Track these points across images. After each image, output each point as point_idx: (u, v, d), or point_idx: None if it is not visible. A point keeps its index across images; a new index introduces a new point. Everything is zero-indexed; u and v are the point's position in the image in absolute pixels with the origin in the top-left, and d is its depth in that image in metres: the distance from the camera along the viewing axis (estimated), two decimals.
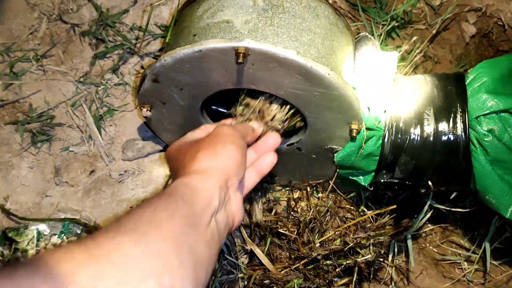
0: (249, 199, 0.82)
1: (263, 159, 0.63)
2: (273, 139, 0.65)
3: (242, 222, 0.77)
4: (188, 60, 0.61)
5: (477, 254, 0.87)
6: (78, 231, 0.75)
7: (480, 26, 1.12)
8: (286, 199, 0.87)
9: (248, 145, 0.64)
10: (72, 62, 0.95)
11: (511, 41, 1.14)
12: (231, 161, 0.54)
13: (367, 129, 0.69)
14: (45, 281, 0.31)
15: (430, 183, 0.72)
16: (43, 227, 0.75)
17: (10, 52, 0.94)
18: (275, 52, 0.58)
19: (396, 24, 1.06)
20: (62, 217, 0.76)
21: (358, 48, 0.74)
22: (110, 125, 0.88)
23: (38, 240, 0.73)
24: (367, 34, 0.75)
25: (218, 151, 0.54)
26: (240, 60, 0.58)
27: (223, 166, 0.53)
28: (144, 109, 0.72)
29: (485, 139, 0.65)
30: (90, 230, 0.74)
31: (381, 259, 0.82)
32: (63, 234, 0.74)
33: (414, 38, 1.04)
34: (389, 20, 1.04)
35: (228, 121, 0.69)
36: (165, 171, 0.83)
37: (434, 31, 1.06)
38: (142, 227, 0.40)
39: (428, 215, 0.82)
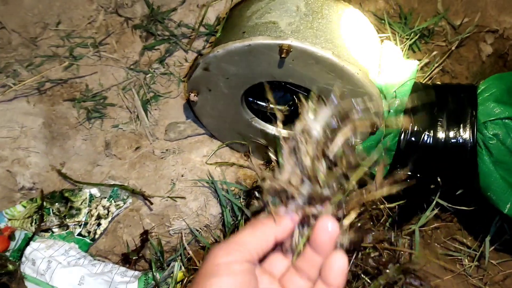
0: None
1: (328, 265, 0.43)
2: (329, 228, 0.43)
3: None
4: (238, 52, 0.71)
5: (478, 252, 0.95)
6: (125, 197, 0.86)
7: (496, 47, 1.20)
8: None
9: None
10: (124, 51, 1.06)
11: None
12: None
13: (387, 126, 0.79)
14: None
15: (439, 179, 0.81)
16: (94, 190, 0.85)
17: (70, 38, 1.06)
18: (314, 50, 0.68)
19: (418, 38, 1.16)
20: (112, 183, 0.86)
21: (384, 54, 0.83)
22: (155, 109, 0.99)
23: (90, 201, 0.84)
24: (391, 41, 0.85)
25: None
26: (283, 55, 0.68)
27: None
28: (192, 94, 0.82)
29: (490, 142, 0.74)
30: (136, 194, 0.84)
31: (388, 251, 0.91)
32: (111, 198, 0.85)
33: (434, 53, 1.13)
34: (412, 34, 1.14)
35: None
36: (203, 151, 0.93)
37: (453, 48, 1.15)
38: None
39: (436, 210, 0.91)
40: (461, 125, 0.77)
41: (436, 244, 1.00)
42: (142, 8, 1.11)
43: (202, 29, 1.09)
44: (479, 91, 0.79)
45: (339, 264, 0.42)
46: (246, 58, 0.72)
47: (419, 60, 1.14)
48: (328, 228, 0.42)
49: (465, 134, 0.76)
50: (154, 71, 1.03)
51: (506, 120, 0.75)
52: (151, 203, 0.85)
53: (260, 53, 0.71)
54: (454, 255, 0.97)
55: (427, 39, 1.16)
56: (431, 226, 0.99)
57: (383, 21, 1.15)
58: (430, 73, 1.13)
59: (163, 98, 1.00)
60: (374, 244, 0.86)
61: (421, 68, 1.14)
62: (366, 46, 0.76)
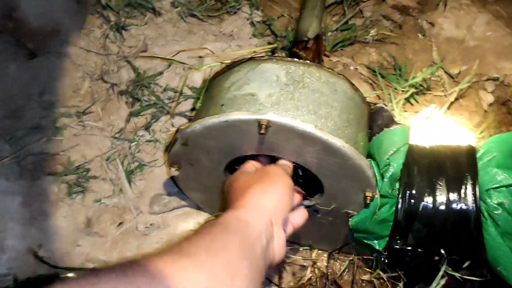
0: None
1: (296, 212, 0.68)
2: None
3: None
4: (216, 128, 0.67)
5: None
6: None
7: (498, 95, 1.15)
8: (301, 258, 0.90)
9: None
10: (109, 118, 1.03)
11: None
12: (278, 200, 0.57)
13: (381, 196, 0.73)
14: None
15: (442, 251, 0.74)
16: (72, 275, 0.80)
17: (54, 108, 1.03)
18: (294, 125, 0.63)
19: (415, 90, 1.11)
20: (91, 267, 0.81)
21: (375, 118, 0.79)
22: (140, 179, 0.94)
23: None
24: (383, 105, 0.80)
25: (267, 189, 0.58)
26: (262, 131, 0.63)
27: (271, 204, 0.56)
28: (173, 169, 0.77)
29: (495, 212, 0.68)
30: None
31: None
32: None
33: (433, 105, 1.09)
34: (408, 87, 1.09)
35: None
36: (189, 226, 0.88)
37: (452, 99, 1.10)
38: (201, 254, 0.45)
39: (443, 282, 0.83)
40: (462, 193, 0.71)
41: None
42: (128, 73, 1.09)
43: (189, 92, 1.06)
44: (479, 154, 0.73)
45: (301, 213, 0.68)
46: (225, 133, 0.68)
47: (417, 112, 1.10)
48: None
49: (467, 203, 0.70)
50: (139, 138, 0.99)
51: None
52: None
53: (238, 128, 0.66)
54: None
55: (424, 90, 1.12)
56: None
57: (376, 74, 1.11)
58: (430, 127, 1.07)
59: (148, 167, 0.96)
60: None
61: (421, 122, 1.09)
62: (353, 113, 0.71)
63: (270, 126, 0.64)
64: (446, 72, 1.15)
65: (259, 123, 0.64)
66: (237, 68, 0.73)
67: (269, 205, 0.56)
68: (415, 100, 1.11)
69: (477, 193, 0.70)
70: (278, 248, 0.57)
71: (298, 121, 0.63)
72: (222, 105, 0.69)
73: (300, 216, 0.68)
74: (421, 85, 1.12)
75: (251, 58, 0.72)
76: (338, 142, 0.64)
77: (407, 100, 1.11)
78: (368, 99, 1.04)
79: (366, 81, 1.14)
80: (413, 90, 1.09)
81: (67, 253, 0.85)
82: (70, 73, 1.09)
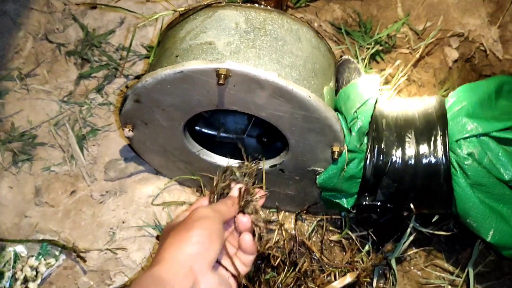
0: None
1: (241, 239, 0.61)
2: (244, 221, 0.62)
3: None
4: (170, 81, 0.61)
5: (461, 278, 0.86)
6: (57, 253, 0.74)
7: (462, 51, 1.14)
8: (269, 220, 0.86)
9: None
10: (56, 81, 0.95)
11: (493, 66, 1.16)
12: (195, 246, 0.53)
13: (349, 151, 0.69)
14: None
15: (412, 206, 0.72)
16: (20, 248, 0.73)
17: None
18: (256, 74, 0.58)
19: (380, 48, 1.08)
20: (41, 238, 0.74)
21: (341, 71, 0.75)
22: (93, 145, 0.88)
23: (15, 262, 0.71)
24: (349, 57, 0.76)
25: (182, 236, 0.54)
26: (221, 82, 0.58)
27: (187, 252, 0.53)
28: (126, 129, 0.71)
29: (465, 163, 0.66)
30: (68, 251, 0.72)
31: (365, 284, 0.82)
32: (41, 256, 0.73)
33: (398, 61, 1.06)
34: (373, 44, 1.06)
35: (205, 200, 0.64)
36: (148, 191, 0.82)
37: (417, 56, 1.08)
38: None
39: (411, 238, 0.82)
40: (432, 145, 0.68)
41: (416, 271, 0.91)
42: (76, 32, 1.00)
43: (144, 51, 0.99)
44: (448, 105, 0.70)
45: (247, 238, 0.60)
46: (181, 86, 0.62)
47: (382, 70, 1.07)
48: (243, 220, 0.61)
49: (437, 155, 0.68)
50: (91, 102, 0.92)
51: (482, 137, 0.66)
52: (84, 261, 0.73)
53: (195, 80, 0.61)
54: (435, 282, 0.88)
55: (390, 47, 1.09)
56: (410, 252, 0.90)
57: (341, 31, 1.07)
58: (395, 84, 1.05)
59: (102, 132, 0.89)
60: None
61: (386, 80, 1.06)
62: (319, 63, 0.66)
63: (230, 76, 0.59)
64: (411, 29, 1.12)
65: (217, 73, 0.58)
66: (193, 16, 0.67)
67: (185, 255, 0.53)
68: (381, 57, 1.08)
69: (447, 144, 0.67)
70: None
71: (260, 69, 0.58)
72: (177, 56, 0.63)
73: (246, 242, 0.60)
74: (386, 42, 1.09)
75: (207, 5, 0.66)
76: (303, 92, 0.59)
77: (373, 57, 1.08)
78: (341, 54, 1.00)
79: (331, 38, 1.10)
80: (378, 46, 1.06)
81: (15, 225, 0.78)
82: (10, 33, 0.99)
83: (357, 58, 1.03)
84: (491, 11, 1.17)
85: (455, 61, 1.13)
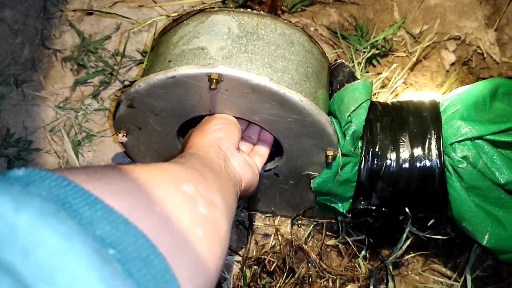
0: None
1: (262, 131, 0.71)
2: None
3: None
4: (162, 86, 0.61)
5: (459, 282, 0.86)
6: None
7: (460, 54, 1.13)
8: (265, 226, 0.86)
9: None
10: (53, 87, 0.95)
11: (490, 69, 1.15)
12: (218, 133, 0.61)
13: (343, 155, 0.69)
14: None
15: (407, 209, 0.72)
16: None
17: None
18: (247, 78, 0.58)
19: (377, 51, 1.08)
20: None
21: (335, 75, 0.74)
22: (89, 151, 0.88)
23: None
24: (343, 60, 0.76)
25: (205, 129, 0.62)
26: (213, 86, 0.58)
27: (212, 137, 0.60)
28: (120, 135, 0.71)
29: (460, 166, 0.66)
30: None
31: None
32: None
33: (394, 65, 1.06)
34: (369, 47, 1.06)
35: None
36: None
37: (414, 59, 1.08)
38: (170, 161, 0.48)
39: (408, 242, 0.81)
40: (426, 148, 0.68)
41: (413, 276, 0.90)
42: (73, 38, 1.01)
43: (140, 56, 0.99)
44: (442, 108, 0.70)
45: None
46: (173, 91, 0.62)
47: (379, 74, 1.06)
48: None
49: (431, 158, 0.67)
50: (86, 107, 0.92)
51: (476, 140, 0.66)
52: None
53: (188, 84, 0.61)
54: (433, 287, 0.88)
55: (386, 50, 1.09)
56: (407, 257, 0.90)
57: (338, 35, 1.07)
58: (392, 87, 1.05)
59: (98, 137, 0.89)
60: None
61: (383, 83, 1.06)
62: (312, 67, 0.66)
63: (222, 80, 0.59)
64: (407, 32, 1.12)
65: (209, 78, 0.58)
66: (186, 22, 0.67)
67: (212, 138, 0.60)
68: (377, 61, 1.08)
69: (442, 148, 0.67)
70: (240, 168, 0.60)
71: (252, 74, 0.58)
72: (170, 61, 0.63)
73: (268, 138, 0.71)
74: (383, 46, 1.09)
75: (200, 10, 0.66)
76: (295, 96, 0.59)
77: (369, 61, 1.08)
78: (336, 58, 0.99)
79: (327, 42, 1.10)
80: (374, 50, 1.06)
81: None
82: (6, 39, 0.99)
83: (353, 62, 1.03)
84: (488, 14, 1.17)
85: (452, 64, 1.12)
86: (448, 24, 1.14)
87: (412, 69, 1.09)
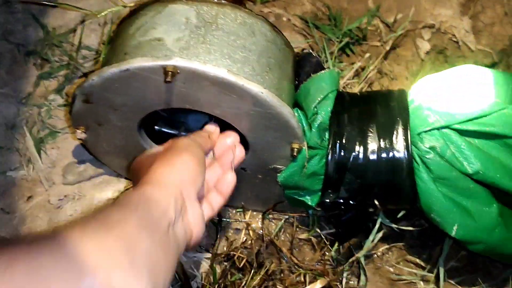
0: None
1: (223, 179, 0.62)
2: (231, 156, 0.64)
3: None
4: (117, 79, 0.59)
5: (433, 273, 0.85)
6: None
7: (435, 43, 1.12)
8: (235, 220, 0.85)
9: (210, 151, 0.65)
10: (15, 83, 0.92)
11: (466, 57, 1.14)
12: (185, 171, 0.53)
13: (310, 147, 0.67)
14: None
15: (376, 202, 0.70)
16: None
17: None
18: (204, 70, 0.56)
19: (351, 41, 1.06)
20: None
21: (302, 65, 0.72)
22: (52, 148, 0.85)
23: None
24: (310, 50, 0.74)
25: (172, 161, 0.54)
26: (168, 79, 0.55)
27: (178, 177, 0.52)
28: (79, 131, 0.69)
29: (427, 156, 0.64)
30: None
31: (335, 283, 0.80)
32: None
33: (368, 54, 1.04)
34: (341, 37, 1.04)
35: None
36: (107, 195, 0.79)
37: (388, 48, 1.06)
38: (92, 227, 0.40)
39: (380, 234, 0.80)
40: (394, 139, 0.66)
41: (388, 268, 0.89)
42: (36, 31, 0.97)
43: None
44: (410, 97, 0.69)
45: (230, 179, 0.61)
46: (130, 85, 0.60)
47: (353, 63, 1.05)
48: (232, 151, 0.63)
49: (399, 149, 0.66)
50: (50, 103, 0.89)
51: (444, 130, 0.64)
52: None
53: (144, 78, 0.58)
54: (407, 278, 0.87)
55: (360, 39, 1.07)
56: (381, 248, 0.89)
57: (312, 25, 1.05)
58: (366, 77, 1.03)
59: (62, 134, 0.86)
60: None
61: (357, 73, 1.05)
62: (275, 58, 0.64)
63: (178, 73, 0.56)
64: (382, 21, 1.10)
65: (164, 70, 0.56)
66: (143, 12, 0.64)
67: (175, 178, 0.52)
68: (351, 50, 1.06)
69: (409, 138, 0.65)
70: (194, 223, 0.52)
71: (209, 66, 0.56)
72: (125, 53, 0.61)
73: (228, 183, 0.62)
74: (356, 35, 1.07)
75: (158, 0, 0.64)
76: (255, 88, 0.57)
77: (343, 51, 1.06)
78: (303, 47, 0.97)
79: (300, 32, 1.08)
80: (347, 39, 1.04)
81: None
82: None
83: (325, 52, 1.01)
84: (462, 2, 1.16)
85: (427, 52, 1.11)
86: (422, 12, 1.13)
87: (386, 58, 1.08)
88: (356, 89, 1.01)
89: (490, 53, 1.14)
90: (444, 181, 0.65)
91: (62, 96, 0.90)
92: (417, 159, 0.65)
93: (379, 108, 0.69)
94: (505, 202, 0.69)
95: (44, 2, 0.94)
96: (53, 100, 0.90)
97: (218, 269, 0.78)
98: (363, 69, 1.04)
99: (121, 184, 0.81)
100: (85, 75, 0.91)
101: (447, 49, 1.12)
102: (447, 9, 1.14)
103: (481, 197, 0.65)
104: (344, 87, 1.02)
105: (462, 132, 0.65)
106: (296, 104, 0.70)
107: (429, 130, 0.65)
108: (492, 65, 1.16)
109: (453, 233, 0.66)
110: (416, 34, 1.12)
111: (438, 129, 0.65)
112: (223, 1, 0.64)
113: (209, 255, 0.79)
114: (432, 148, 0.64)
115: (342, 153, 0.68)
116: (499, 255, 0.70)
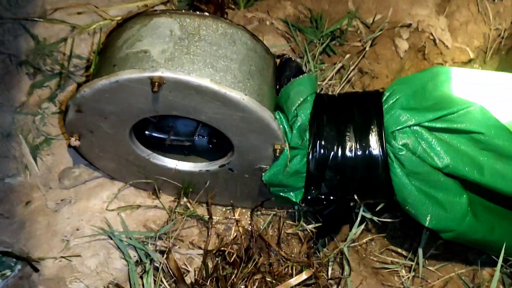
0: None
1: None
2: None
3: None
4: (107, 90, 0.63)
5: (414, 262, 0.90)
6: (12, 264, 0.75)
7: (413, 41, 1.16)
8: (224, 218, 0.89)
9: None
10: (8, 92, 0.95)
11: (443, 55, 1.19)
12: None
13: (292, 148, 0.72)
14: None
15: (356, 196, 0.75)
16: None
17: None
18: (189, 80, 0.60)
19: (332, 42, 1.10)
20: None
21: (282, 70, 0.77)
22: (47, 154, 0.88)
23: None
24: (290, 56, 0.78)
25: None
26: (155, 89, 0.59)
27: None
28: (73, 139, 0.72)
29: (400, 153, 0.69)
30: (23, 262, 0.74)
31: (320, 273, 0.84)
32: None
33: (348, 55, 1.08)
34: (322, 38, 1.08)
35: None
36: (103, 197, 0.83)
37: (367, 47, 1.10)
38: None
39: (362, 226, 0.85)
40: (369, 138, 0.71)
41: (371, 258, 0.94)
42: (27, 42, 1.00)
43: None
44: (384, 98, 0.73)
45: None
46: (119, 95, 0.64)
47: (334, 64, 1.09)
48: None
49: (374, 147, 0.70)
50: (43, 111, 0.93)
51: (415, 127, 0.69)
52: (37, 270, 0.74)
53: (132, 88, 0.62)
54: (390, 267, 0.92)
55: (341, 40, 1.11)
56: (365, 239, 0.94)
57: (294, 27, 1.09)
58: (347, 76, 1.07)
59: (57, 141, 0.90)
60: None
61: (340, 73, 1.09)
62: (256, 65, 0.68)
63: (164, 83, 0.60)
64: (362, 22, 1.14)
65: (151, 81, 0.60)
66: (130, 25, 0.68)
67: None
68: (333, 51, 1.11)
69: (383, 137, 0.70)
70: None
71: (192, 76, 0.60)
72: (114, 65, 0.64)
73: None
74: (338, 36, 1.11)
75: (143, 13, 0.68)
76: (237, 95, 0.61)
77: (325, 51, 1.10)
78: (283, 53, 1.01)
79: (283, 35, 1.12)
80: (328, 41, 1.08)
81: None
82: None
83: (306, 54, 1.05)
84: (438, 1, 1.20)
85: (406, 51, 1.15)
86: (400, 13, 1.17)
87: (367, 57, 1.12)
88: (338, 88, 1.06)
89: (466, 50, 1.19)
90: (416, 175, 0.69)
91: (55, 104, 0.94)
92: (391, 155, 0.70)
93: (356, 109, 0.74)
94: (475, 191, 0.74)
95: (35, 19, 0.98)
96: (47, 108, 0.93)
97: (210, 265, 0.82)
98: (345, 68, 1.09)
99: (115, 186, 0.85)
100: (78, 84, 0.95)
101: (425, 47, 1.17)
102: (423, 9, 1.19)
103: (452, 189, 0.70)
104: (327, 88, 1.06)
105: (432, 129, 0.69)
106: (278, 107, 0.74)
107: (402, 129, 0.69)
108: (469, 61, 1.22)
109: (426, 223, 0.71)
110: (395, 33, 1.16)
111: (409, 127, 0.69)
112: (205, 13, 0.68)
113: (201, 251, 0.83)
114: (404, 145, 0.69)
115: (322, 152, 0.72)
116: (469, 241, 0.75)
